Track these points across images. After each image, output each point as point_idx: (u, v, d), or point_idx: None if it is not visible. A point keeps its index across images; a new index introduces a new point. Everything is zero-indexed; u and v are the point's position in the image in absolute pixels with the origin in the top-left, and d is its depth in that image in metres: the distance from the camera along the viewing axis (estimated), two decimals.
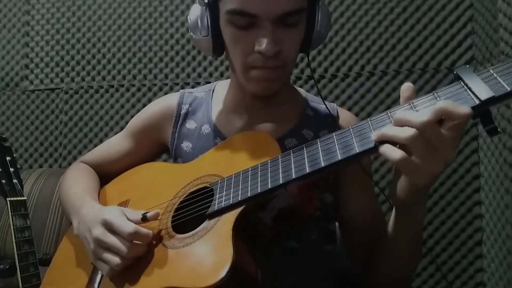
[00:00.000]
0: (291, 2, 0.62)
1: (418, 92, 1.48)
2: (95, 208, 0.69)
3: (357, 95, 1.51)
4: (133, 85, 1.70)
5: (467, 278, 1.39)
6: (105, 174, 0.89)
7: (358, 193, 0.77)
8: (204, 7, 0.67)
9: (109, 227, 0.61)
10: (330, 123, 0.80)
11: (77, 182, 0.82)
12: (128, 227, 0.60)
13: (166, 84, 1.67)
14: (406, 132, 0.44)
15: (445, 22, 1.45)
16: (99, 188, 0.84)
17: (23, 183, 0.97)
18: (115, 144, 0.91)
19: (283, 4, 0.61)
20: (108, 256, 0.60)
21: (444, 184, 1.42)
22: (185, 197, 0.68)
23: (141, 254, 0.61)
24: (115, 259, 0.59)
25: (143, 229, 0.61)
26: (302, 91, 0.87)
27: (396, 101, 1.48)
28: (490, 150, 1.32)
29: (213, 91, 0.87)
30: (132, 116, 1.65)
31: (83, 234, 0.66)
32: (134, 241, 0.60)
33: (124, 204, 0.77)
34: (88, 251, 0.65)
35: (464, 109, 0.44)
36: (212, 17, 0.67)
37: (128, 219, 0.62)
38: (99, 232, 0.62)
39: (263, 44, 0.63)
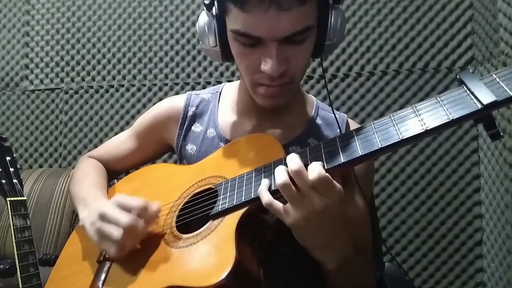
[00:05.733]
0: (296, 23, 0.59)
1: (418, 92, 1.49)
2: (106, 199, 0.72)
3: (357, 95, 1.51)
4: (133, 85, 1.70)
5: (467, 278, 1.39)
6: (112, 170, 0.91)
7: (353, 198, 0.75)
8: (212, 18, 0.66)
9: (119, 203, 0.63)
10: (338, 134, 0.79)
11: (89, 177, 0.83)
12: (138, 202, 0.62)
13: (166, 84, 1.67)
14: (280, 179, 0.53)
15: (445, 22, 1.45)
16: (107, 185, 0.86)
17: (23, 183, 0.97)
18: (121, 142, 0.92)
19: (287, 27, 0.59)
20: (111, 227, 0.61)
21: (444, 184, 1.42)
22: (189, 198, 0.68)
23: (142, 234, 0.62)
24: (117, 230, 0.60)
25: (153, 205, 0.63)
26: (313, 98, 0.86)
27: (396, 101, 1.48)
28: (490, 150, 1.32)
29: (220, 94, 0.87)
30: (132, 116, 1.68)
31: (90, 221, 0.67)
32: (142, 215, 0.62)
33: None
34: (92, 238, 0.65)
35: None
36: (219, 29, 0.66)
37: None
38: (106, 207, 0.63)
39: (269, 65, 0.61)
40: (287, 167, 0.53)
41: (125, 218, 0.60)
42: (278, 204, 0.54)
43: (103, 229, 0.62)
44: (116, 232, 0.60)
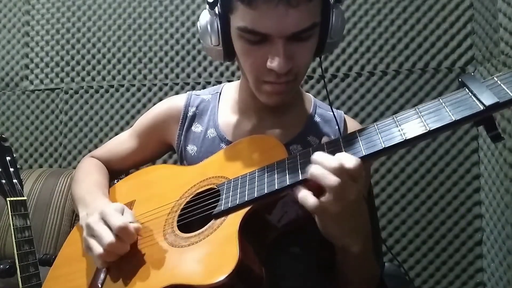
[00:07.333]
0: (304, 20, 0.60)
1: (418, 92, 1.49)
2: (104, 202, 0.72)
3: (357, 95, 1.51)
4: (133, 85, 1.70)
5: (467, 278, 1.39)
6: (114, 170, 0.91)
7: None
8: (214, 17, 0.66)
9: (103, 217, 0.62)
10: (336, 131, 0.80)
11: (90, 177, 0.84)
12: (119, 220, 0.61)
13: (166, 84, 1.67)
14: (327, 178, 0.50)
15: (445, 22, 1.45)
16: (108, 184, 0.86)
17: (23, 183, 0.97)
18: (123, 142, 0.92)
19: (295, 23, 0.59)
20: (93, 242, 0.61)
21: (444, 184, 1.42)
22: (191, 198, 0.68)
23: (121, 253, 0.62)
24: (98, 248, 0.60)
25: (131, 227, 0.61)
26: (310, 96, 0.87)
27: (396, 101, 1.48)
28: (490, 150, 1.32)
29: (220, 94, 0.87)
30: (132, 116, 1.68)
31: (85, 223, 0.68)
32: (120, 236, 0.60)
33: (130, 204, 0.77)
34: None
35: (350, 161, 0.50)
36: (223, 27, 0.65)
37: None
38: (93, 219, 0.63)
39: (276, 62, 0.61)
40: (310, 163, 0.52)
41: (106, 238, 0.60)
42: (313, 199, 0.52)
43: (88, 241, 0.63)
44: (96, 250, 0.61)
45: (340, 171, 0.50)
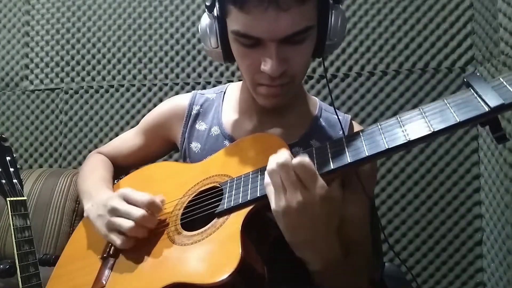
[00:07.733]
0: (296, 23, 0.60)
1: (418, 92, 1.49)
2: (110, 194, 0.74)
3: (357, 95, 1.51)
4: (133, 85, 1.70)
5: (467, 278, 1.39)
6: (119, 166, 0.93)
7: (354, 196, 0.74)
8: (213, 20, 0.67)
9: (126, 197, 0.66)
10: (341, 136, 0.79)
11: (96, 172, 0.85)
12: (145, 195, 0.65)
13: (166, 84, 1.67)
14: (269, 165, 0.53)
15: (445, 22, 1.45)
16: (113, 180, 0.88)
17: (23, 183, 0.97)
18: (128, 140, 0.94)
19: (287, 26, 0.59)
20: (121, 220, 0.63)
21: (444, 184, 1.42)
22: (194, 196, 0.69)
23: (152, 226, 0.65)
24: (127, 223, 0.63)
25: (158, 200, 0.65)
26: (316, 99, 0.87)
27: (396, 101, 1.48)
28: (490, 150, 1.32)
29: (224, 93, 0.88)
30: (132, 116, 1.68)
31: (96, 213, 0.69)
32: (149, 209, 0.64)
33: None
34: (99, 230, 0.68)
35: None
36: (221, 30, 0.66)
37: None
38: (116, 201, 0.66)
39: (268, 65, 0.62)
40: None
41: (136, 212, 0.63)
42: (271, 188, 0.54)
43: (114, 221, 0.64)
44: (127, 225, 0.63)
45: (283, 166, 0.51)
